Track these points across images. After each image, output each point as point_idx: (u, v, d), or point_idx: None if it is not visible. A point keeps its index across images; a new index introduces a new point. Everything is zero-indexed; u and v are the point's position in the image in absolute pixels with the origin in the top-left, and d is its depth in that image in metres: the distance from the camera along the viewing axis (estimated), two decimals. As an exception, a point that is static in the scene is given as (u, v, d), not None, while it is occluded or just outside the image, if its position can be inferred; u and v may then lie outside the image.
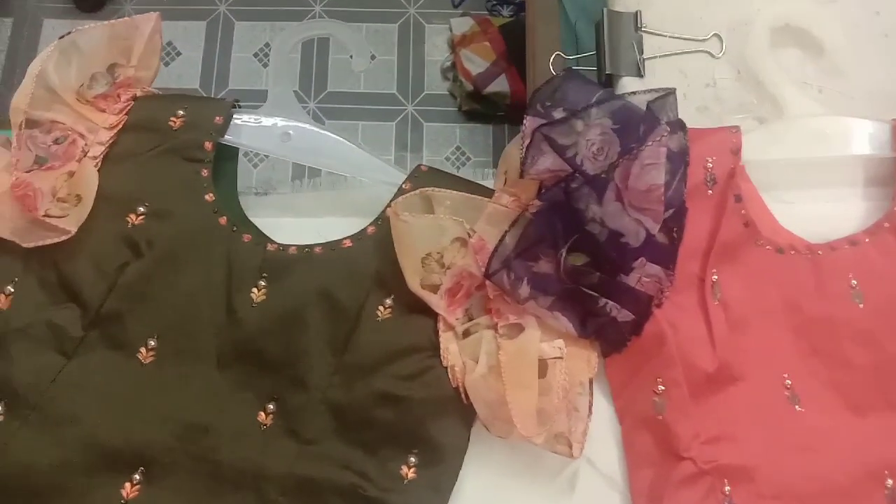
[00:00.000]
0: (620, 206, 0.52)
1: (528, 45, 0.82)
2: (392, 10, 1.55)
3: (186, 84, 1.43)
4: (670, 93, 0.54)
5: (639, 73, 0.63)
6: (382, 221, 0.58)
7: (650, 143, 0.51)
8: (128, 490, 0.49)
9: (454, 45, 1.52)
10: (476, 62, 1.47)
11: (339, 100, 1.45)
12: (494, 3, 1.58)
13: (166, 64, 1.44)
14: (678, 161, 0.55)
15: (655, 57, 0.64)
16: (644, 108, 0.54)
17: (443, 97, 1.49)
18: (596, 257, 0.54)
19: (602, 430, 0.55)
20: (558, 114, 0.54)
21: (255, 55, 1.45)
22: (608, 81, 0.64)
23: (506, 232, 0.54)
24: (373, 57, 1.45)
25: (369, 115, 1.45)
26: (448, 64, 1.53)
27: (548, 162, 0.55)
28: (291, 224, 0.62)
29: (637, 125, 0.52)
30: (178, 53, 1.44)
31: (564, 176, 0.54)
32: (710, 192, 0.58)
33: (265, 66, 1.44)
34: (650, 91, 0.55)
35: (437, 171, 0.60)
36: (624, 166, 0.51)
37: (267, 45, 1.45)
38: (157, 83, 0.62)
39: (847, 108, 0.63)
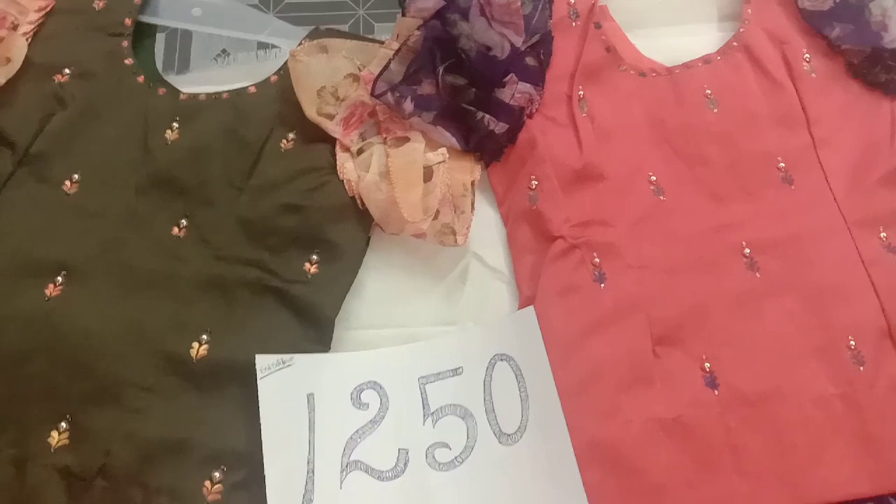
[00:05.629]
0: (486, 21, 0.59)
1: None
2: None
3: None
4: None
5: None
6: (284, 71, 0.64)
7: (504, -39, 0.58)
8: (50, 290, 0.54)
9: None
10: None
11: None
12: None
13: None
14: (539, -8, 0.63)
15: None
16: None
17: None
18: (472, 78, 0.60)
19: (489, 234, 0.61)
20: None
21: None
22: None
23: (390, 59, 0.60)
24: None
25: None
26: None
27: (427, 2, 0.62)
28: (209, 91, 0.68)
29: None
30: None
31: (440, 8, 0.61)
32: (575, 24, 0.65)
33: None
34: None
35: (335, 30, 0.67)
36: (483, -17, 0.58)
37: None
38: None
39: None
